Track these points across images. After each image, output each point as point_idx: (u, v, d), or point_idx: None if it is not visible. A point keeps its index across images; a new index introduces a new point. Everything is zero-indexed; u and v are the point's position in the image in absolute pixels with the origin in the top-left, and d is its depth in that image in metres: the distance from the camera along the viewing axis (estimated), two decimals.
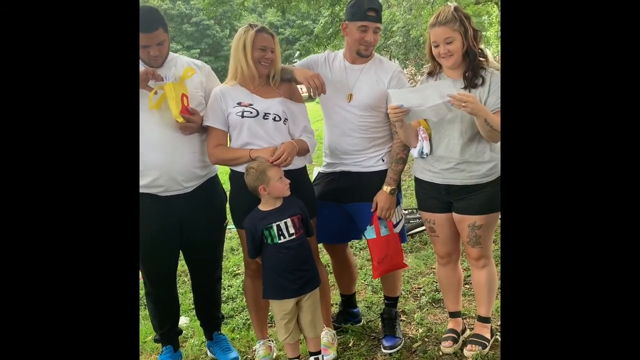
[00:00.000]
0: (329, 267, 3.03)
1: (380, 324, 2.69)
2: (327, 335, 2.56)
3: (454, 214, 2.33)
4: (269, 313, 2.59)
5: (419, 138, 2.30)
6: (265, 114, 2.27)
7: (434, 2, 12.69)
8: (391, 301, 2.68)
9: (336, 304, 2.92)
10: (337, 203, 2.51)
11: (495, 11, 16.17)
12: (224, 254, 3.15)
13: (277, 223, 2.19)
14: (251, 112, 2.26)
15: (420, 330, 2.68)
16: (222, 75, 2.50)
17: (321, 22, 13.37)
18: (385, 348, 2.51)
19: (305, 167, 2.45)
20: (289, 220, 2.20)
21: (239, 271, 3.80)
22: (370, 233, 2.43)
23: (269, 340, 2.59)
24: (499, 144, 2.24)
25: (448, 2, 2.30)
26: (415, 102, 2.12)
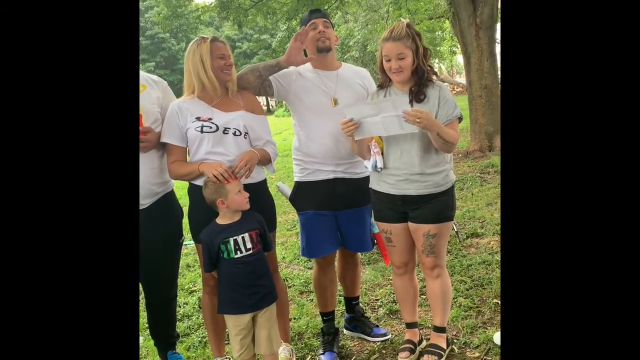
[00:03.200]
0: (298, 281, 3.00)
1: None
2: (284, 350, 2.53)
3: (410, 224, 2.37)
4: (227, 330, 2.55)
5: (372, 153, 2.34)
6: (225, 128, 2.24)
7: (388, 17, 12.97)
8: (357, 300, 2.81)
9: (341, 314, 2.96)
10: (331, 211, 2.51)
11: (448, 27, 16.67)
12: (180, 270, 3.09)
13: (234, 237, 2.15)
14: (210, 127, 2.22)
15: (378, 342, 2.68)
16: (178, 88, 2.46)
17: (278, 36, 13.45)
18: None
19: (265, 180, 2.43)
20: (246, 235, 2.18)
21: (195, 288, 3.72)
22: (375, 228, 2.57)
23: (227, 358, 2.54)
24: (449, 155, 2.34)
25: (401, 18, 2.35)
26: (368, 114, 2.17)
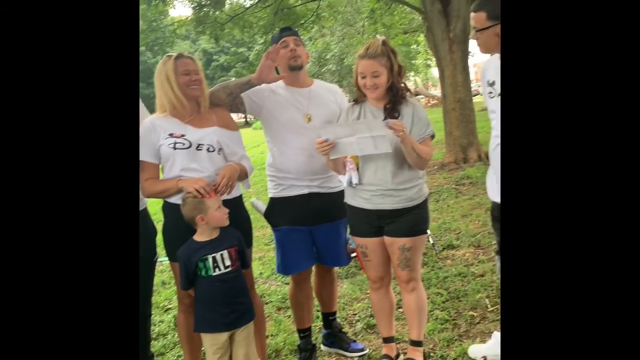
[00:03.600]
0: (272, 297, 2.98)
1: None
2: None
3: (385, 237, 2.38)
4: (202, 349, 2.52)
5: (347, 169, 2.36)
6: (199, 144, 2.23)
7: (364, 31, 13.13)
8: (334, 316, 2.81)
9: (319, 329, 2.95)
10: (307, 226, 2.52)
11: (423, 40, 16.95)
12: (155, 287, 3.05)
13: (212, 255, 2.14)
14: (183, 144, 2.21)
15: (356, 358, 2.68)
16: (152, 102, 2.44)
17: (256, 50, 13.49)
18: None
19: (241, 195, 2.43)
20: (225, 252, 2.16)
21: (171, 306, 3.67)
22: (352, 243, 2.56)
23: None
24: (422, 170, 2.38)
25: (377, 35, 2.39)
26: (343, 134, 2.21)
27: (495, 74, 2.19)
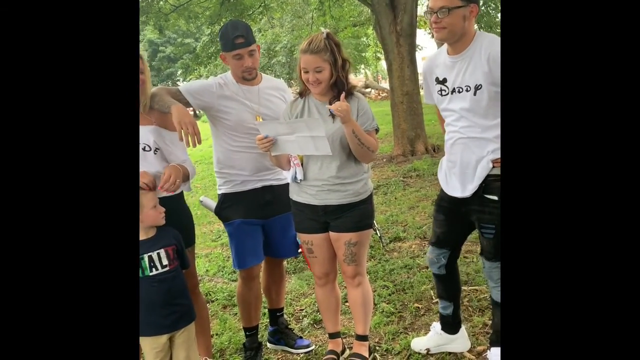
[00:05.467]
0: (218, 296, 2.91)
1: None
2: None
3: (331, 233, 2.37)
4: (142, 352, 2.43)
5: (291, 164, 2.32)
6: None
7: (313, 23, 13.08)
8: (281, 312, 2.81)
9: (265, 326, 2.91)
10: (260, 219, 2.49)
11: (372, 33, 17.08)
12: None
13: (148, 254, 2.06)
14: None
15: (302, 354, 2.66)
16: None
17: (202, 41, 13.19)
18: None
19: (182, 193, 2.35)
20: (162, 251, 2.08)
21: None
22: (298, 239, 2.56)
23: None
24: (367, 165, 2.37)
25: (321, 28, 2.34)
26: (283, 132, 2.19)
27: (445, 71, 2.18)
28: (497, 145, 2.09)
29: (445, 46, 2.21)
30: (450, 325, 2.47)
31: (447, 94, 2.19)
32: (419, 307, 3.01)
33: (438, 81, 2.22)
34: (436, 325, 2.56)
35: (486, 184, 2.14)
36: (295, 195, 2.40)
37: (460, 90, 2.14)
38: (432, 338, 2.52)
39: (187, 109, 2.35)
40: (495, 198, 2.12)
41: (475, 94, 2.09)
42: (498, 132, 2.06)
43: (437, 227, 2.41)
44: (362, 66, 25.30)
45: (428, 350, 2.50)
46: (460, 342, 2.51)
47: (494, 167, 2.12)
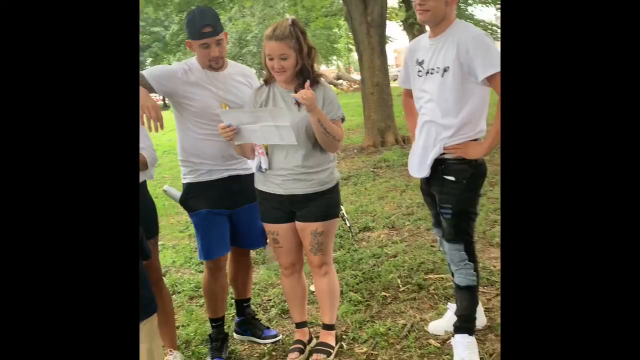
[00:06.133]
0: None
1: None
2: (175, 358, 2.43)
3: (297, 223, 2.35)
4: None
5: (256, 153, 2.29)
6: None
7: (284, 13, 12.97)
8: (248, 302, 2.79)
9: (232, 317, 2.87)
10: (226, 209, 2.45)
11: (344, 24, 17.05)
12: None
13: None
14: None
15: (269, 344, 2.65)
16: None
17: (172, 29, 12.95)
18: None
19: (145, 182, 2.29)
20: None
21: None
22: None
23: None
24: (333, 154, 2.37)
25: (287, 15, 2.30)
26: (246, 121, 2.16)
27: (424, 53, 2.26)
28: (453, 131, 2.18)
29: (429, 31, 2.30)
30: None
31: (423, 74, 2.26)
32: (386, 296, 3.03)
33: (417, 62, 2.29)
34: (451, 307, 2.54)
35: (445, 166, 2.22)
36: (260, 184, 2.38)
37: (432, 71, 2.21)
38: (453, 317, 2.46)
39: (151, 94, 2.30)
40: (453, 179, 2.20)
41: (442, 75, 2.16)
42: (457, 120, 2.16)
43: (429, 210, 2.51)
44: (335, 57, 25.26)
45: (449, 334, 2.48)
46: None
47: (444, 153, 2.21)
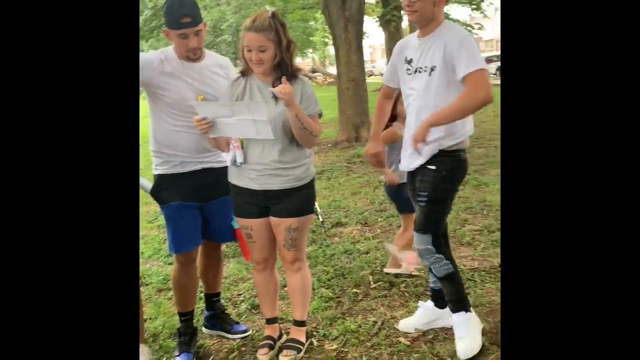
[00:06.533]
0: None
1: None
2: (141, 353, 2.37)
3: (272, 218, 2.33)
4: None
5: (231, 147, 2.25)
6: None
7: (261, 3, 12.83)
8: (218, 297, 2.75)
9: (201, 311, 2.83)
10: (198, 202, 2.41)
11: (321, 18, 16.97)
12: None
13: None
14: None
15: (238, 339, 2.62)
16: None
17: (145, 14, 12.64)
18: None
19: None
20: None
21: None
22: (235, 223, 2.50)
23: None
24: (309, 150, 2.34)
25: (267, 6, 2.26)
26: (222, 114, 2.12)
27: (413, 52, 2.29)
28: (441, 129, 2.20)
29: (418, 30, 2.34)
30: (442, 299, 2.47)
31: (411, 73, 2.30)
32: (357, 293, 3.03)
33: (406, 60, 2.33)
34: (423, 304, 2.58)
35: (430, 157, 2.26)
36: (235, 179, 2.34)
37: (420, 70, 2.26)
38: (423, 315, 2.51)
39: None
40: (434, 167, 2.24)
41: (430, 74, 2.22)
42: None
43: (411, 198, 2.52)
44: (310, 50, 25.16)
45: (418, 331, 2.51)
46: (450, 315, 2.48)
47: (441, 150, 2.24)
